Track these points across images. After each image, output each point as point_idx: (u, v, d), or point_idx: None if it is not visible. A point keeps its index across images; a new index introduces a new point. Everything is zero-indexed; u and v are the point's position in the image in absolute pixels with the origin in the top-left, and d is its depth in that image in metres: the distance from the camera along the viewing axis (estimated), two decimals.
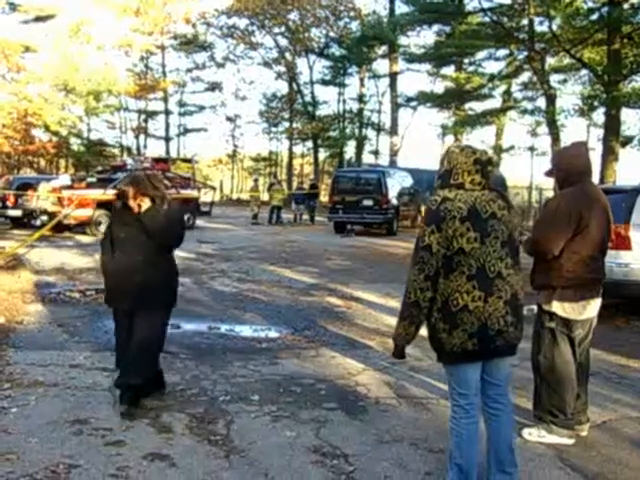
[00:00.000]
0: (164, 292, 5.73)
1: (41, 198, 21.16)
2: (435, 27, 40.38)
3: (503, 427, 4.09)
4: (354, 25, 49.93)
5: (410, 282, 3.78)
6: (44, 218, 20.31)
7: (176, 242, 5.88)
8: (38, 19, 43.24)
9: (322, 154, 55.90)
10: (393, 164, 40.79)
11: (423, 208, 30.15)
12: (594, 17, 28.37)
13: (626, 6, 26.44)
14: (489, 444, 4.10)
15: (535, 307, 5.30)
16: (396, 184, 26.16)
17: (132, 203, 5.57)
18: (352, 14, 49.81)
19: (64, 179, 23.63)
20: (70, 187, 21.58)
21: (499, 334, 3.81)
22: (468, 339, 3.76)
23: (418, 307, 3.78)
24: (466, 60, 42.71)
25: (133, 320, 5.57)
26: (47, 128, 47.67)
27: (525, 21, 31.14)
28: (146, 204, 5.58)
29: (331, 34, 50.58)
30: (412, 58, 43.39)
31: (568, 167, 5.03)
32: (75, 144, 55.97)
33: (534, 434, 5.17)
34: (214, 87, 58.57)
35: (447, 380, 4.10)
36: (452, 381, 4.01)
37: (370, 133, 53.31)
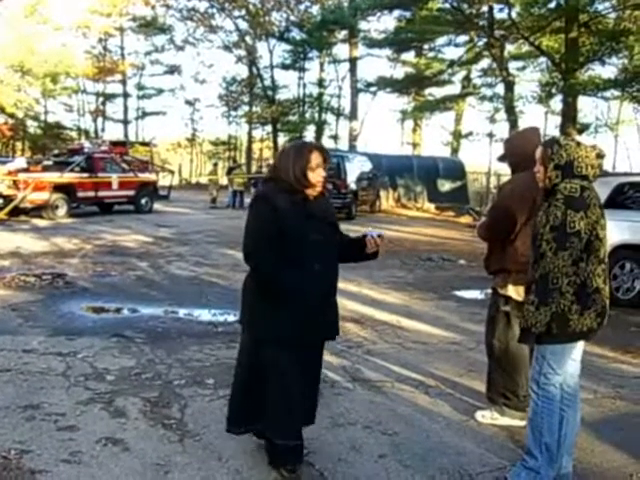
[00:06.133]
0: None
1: None
2: (395, 12, 40.24)
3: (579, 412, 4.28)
4: (315, 9, 49.66)
5: (557, 268, 3.85)
6: None
7: None
8: None
9: (281, 138, 55.57)
10: (352, 149, 40.83)
11: (390, 193, 30.32)
12: (552, 5, 28.61)
13: None
14: (566, 428, 4.16)
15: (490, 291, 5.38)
16: (355, 169, 26.20)
17: (322, 182, 4.09)
18: None
19: (20, 162, 23.23)
20: (26, 170, 21.25)
21: (607, 312, 4.06)
22: (595, 318, 3.97)
23: (560, 292, 3.86)
24: (426, 46, 42.87)
25: (311, 357, 4.26)
26: (3, 110, 46.80)
27: (485, 8, 31.30)
28: None
29: (291, 18, 50.25)
30: (372, 43, 43.41)
31: (520, 152, 5.07)
32: (32, 127, 55.13)
33: (487, 416, 5.25)
34: (173, 70, 57.92)
35: (539, 362, 4.09)
36: (551, 361, 4.05)
37: (330, 118, 53.18)
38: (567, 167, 3.97)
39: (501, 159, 5.33)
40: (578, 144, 4.05)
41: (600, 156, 4.04)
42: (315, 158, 4.00)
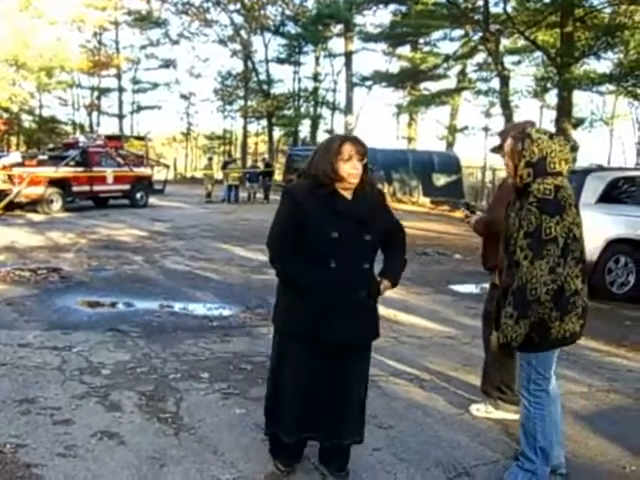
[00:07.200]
0: (378, 318, 4.13)
1: None
2: (391, 6, 40.36)
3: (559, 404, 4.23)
4: (310, 3, 49.65)
5: (535, 278, 3.62)
6: None
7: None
8: None
9: (277, 132, 55.70)
10: None
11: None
12: (547, 0, 28.63)
13: None
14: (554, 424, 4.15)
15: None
16: None
17: (355, 176, 3.79)
18: None
19: (15, 156, 23.19)
20: (21, 164, 21.23)
21: (587, 312, 3.91)
22: (577, 321, 3.81)
23: (539, 303, 3.64)
24: (421, 40, 42.93)
25: (334, 361, 3.90)
26: None
27: (480, 2, 31.35)
28: None
29: (287, 12, 50.26)
30: (368, 37, 43.46)
31: None
32: (26, 121, 55.06)
33: (482, 410, 5.26)
34: (168, 64, 57.76)
35: (525, 369, 3.99)
36: (539, 367, 3.95)
37: (325, 112, 53.21)
38: (539, 164, 3.74)
39: (495, 150, 5.31)
40: (551, 137, 3.82)
41: (574, 149, 3.89)
42: (348, 150, 3.74)
